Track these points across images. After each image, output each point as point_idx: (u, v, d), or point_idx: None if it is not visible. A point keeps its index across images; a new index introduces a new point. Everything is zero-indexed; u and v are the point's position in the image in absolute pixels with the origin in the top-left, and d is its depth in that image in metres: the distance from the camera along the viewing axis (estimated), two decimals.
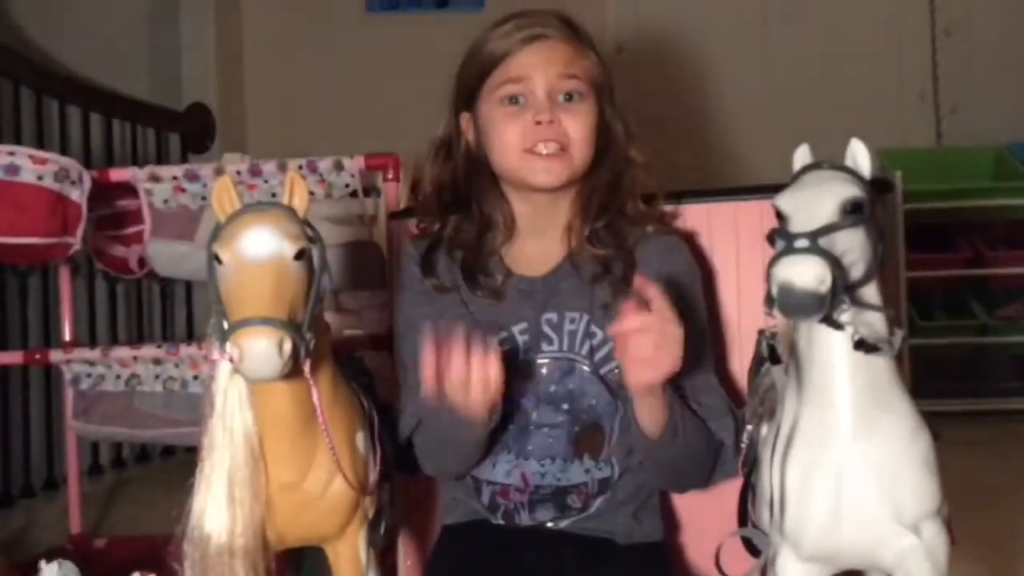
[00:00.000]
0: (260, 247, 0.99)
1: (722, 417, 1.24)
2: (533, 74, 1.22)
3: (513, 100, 1.23)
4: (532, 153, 1.23)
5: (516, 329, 1.26)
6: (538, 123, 1.22)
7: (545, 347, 1.26)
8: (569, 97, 1.23)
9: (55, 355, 1.97)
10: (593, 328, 1.25)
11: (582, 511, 1.25)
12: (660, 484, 1.30)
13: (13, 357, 2.13)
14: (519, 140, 1.23)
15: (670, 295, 1.22)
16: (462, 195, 1.31)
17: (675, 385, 1.21)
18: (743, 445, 1.19)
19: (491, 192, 1.30)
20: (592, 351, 1.25)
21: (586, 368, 1.25)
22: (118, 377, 1.95)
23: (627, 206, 1.29)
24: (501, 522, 1.27)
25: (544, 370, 1.25)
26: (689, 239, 1.39)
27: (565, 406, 1.25)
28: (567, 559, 1.22)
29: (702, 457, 1.23)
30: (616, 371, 1.22)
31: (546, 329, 1.26)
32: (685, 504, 1.39)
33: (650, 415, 1.15)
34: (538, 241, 1.30)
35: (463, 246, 1.29)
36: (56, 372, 2.09)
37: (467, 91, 1.28)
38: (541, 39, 1.23)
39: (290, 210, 1.04)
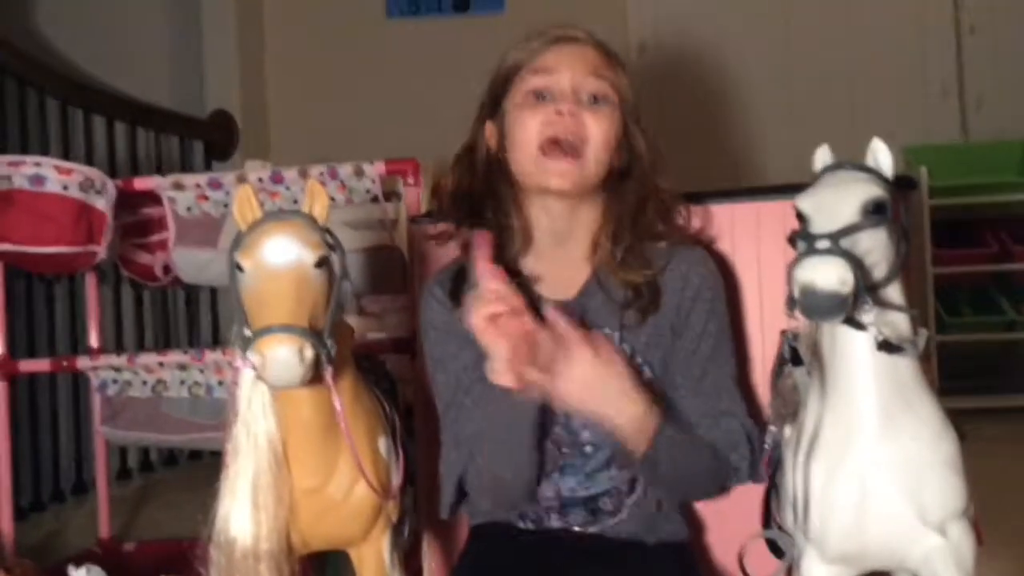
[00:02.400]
0: (281, 255, 1.00)
1: (739, 445, 1.23)
2: (561, 69, 1.22)
3: (539, 96, 1.23)
4: (548, 149, 1.22)
5: None
6: (559, 113, 1.21)
7: None
8: (595, 100, 1.23)
9: (82, 362, 1.99)
10: (623, 346, 1.25)
11: (613, 514, 1.25)
12: (661, 495, 1.29)
13: (41, 364, 2.16)
14: (538, 133, 1.22)
15: (688, 316, 1.25)
16: (478, 204, 1.31)
17: (689, 408, 1.23)
18: (767, 446, 1.19)
19: (508, 199, 1.29)
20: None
21: None
22: (144, 383, 1.97)
23: (651, 227, 1.28)
24: (530, 526, 1.27)
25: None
26: (711, 249, 1.38)
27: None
28: (595, 560, 1.22)
29: (703, 480, 1.24)
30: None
31: None
32: (709, 505, 1.38)
33: (630, 442, 1.17)
34: (559, 256, 1.29)
35: None
36: (84, 378, 2.11)
37: (493, 98, 1.28)
38: (571, 41, 1.24)
39: (310, 218, 1.05)
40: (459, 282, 1.28)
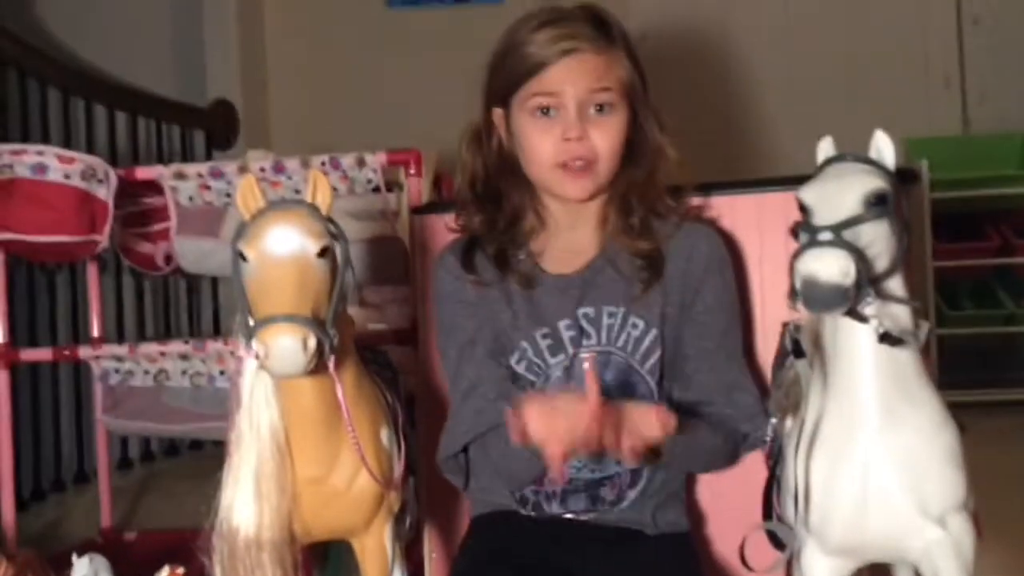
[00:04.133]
0: (284, 245, 1.00)
1: (755, 417, 1.24)
2: (565, 88, 1.24)
3: (544, 111, 1.25)
4: (563, 168, 1.25)
5: (561, 325, 1.27)
6: (567, 140, 1.24)
7: (585, 342, 1.27)
8: (600, 108, 1.25)
9: (84, 351, 1.99)
10: (634, 319, 1.26)
11: (615, 503, 1.25)
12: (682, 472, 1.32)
13: (43, 354, 2.16)
14: (551, 155, 1.25)
15: (699, 287, 1.26)
16: (493, 188, 1.33)
17: (702, 383, 1.25)
18: (767, 439, 1.19)
19: (522, 188, 1.32)
20: (632, 343, 1.26)
21: (622, 360, 1.26)
22: (146, 372, 1.98)
23: (658, 202, 1.30)
24: (532, 513, 1.28)
25: (587, 365, 1.26)
26: (718, 227, 1.39)
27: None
28: (597, 548, 1.23)
29: (715, 460, 1.27)
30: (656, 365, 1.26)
31: (584, 324, 1.27)
32: (710, 497, 1.39)
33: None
34: (569, 236, 1.32)
35: (495, 238, 1.31)
36: (85, 368, 2.11)
37: (500, 90, 1.30)
38: (575, 53, 1.24)
39: (313, 208, 1.05)
40: (471, 251, 1.31)
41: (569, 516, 1.27)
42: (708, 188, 1.41)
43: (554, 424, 1.06)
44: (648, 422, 1.09)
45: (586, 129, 1.24)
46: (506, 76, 1.28)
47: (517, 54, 1.26)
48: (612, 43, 1.26)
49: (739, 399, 1.25)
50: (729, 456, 1.27)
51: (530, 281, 1.29)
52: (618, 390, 1.25)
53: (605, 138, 1.25)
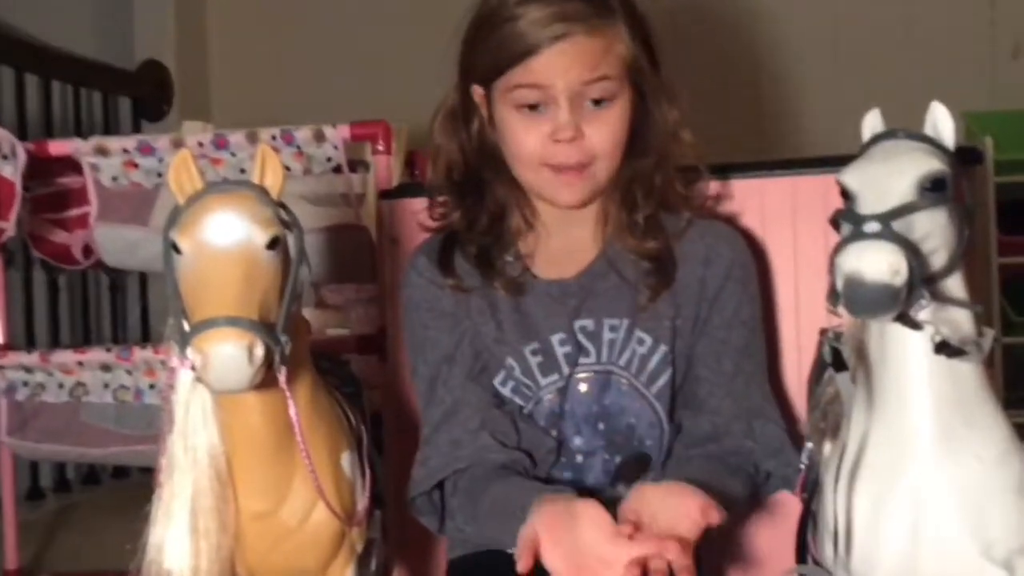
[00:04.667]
0: (226, 234, 0.99)
1: (780, 452, 1.25)
2: (554, 80, 1.23)
3: (531, 107, 1.25)
4: (552, 169, 1.25)
5: (555, 339, 1.27)
6: (557, 141, 1.24)
7: (582, 360, 1.27)
8: (597, 102, 1.25)
9: None
10: (640, 334, 1.27)
11: None
12: None
13: None
14: (538, 154, 1.25)
15: (717, 297, 1.26)
16: (473, 177, 1.33)
17: (718, 410, 1.25)
18: (802, 466, 1.19)
19: (507, 180, 1.32)
20: (638, 361, 1.27)
21: (624, 381, 1.26)
22: (60, 386, 1.98)
23: (670, 192, 1.30)
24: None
25: (583, 387, 1.27)
26: (738, 225, 1.39)
27: (600, 426, 1.27)
28: None
29: (736, 505, 1.24)
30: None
31: (582, 339, 1.28)
32: (735, 537, 1.39)
33: None
34: (564, 235, 1.32)
35: (476, 237, 1.31)
36: None
37: (479, 70, 1.29)
38: (567, 37, 1.22)
39: (261, 190, 1.05)
40: (449, 251, 1.31)
41: None
42: (730, 170, 1.41)
43: (579, 564, 1.05)
44: (684, 518, 1.07)
45: (580, 127, 1.23)
46: (486, 57, 1.27)
47: (500, 33, 1.25)
48: (610, 15, 1.25)
49: (761, 430, 1.25)
50: (746, 503, 1.27)
51: (518, 287, 1.29)
52: (616, 416, 1.26)
53: (604, 134, 1.25)
